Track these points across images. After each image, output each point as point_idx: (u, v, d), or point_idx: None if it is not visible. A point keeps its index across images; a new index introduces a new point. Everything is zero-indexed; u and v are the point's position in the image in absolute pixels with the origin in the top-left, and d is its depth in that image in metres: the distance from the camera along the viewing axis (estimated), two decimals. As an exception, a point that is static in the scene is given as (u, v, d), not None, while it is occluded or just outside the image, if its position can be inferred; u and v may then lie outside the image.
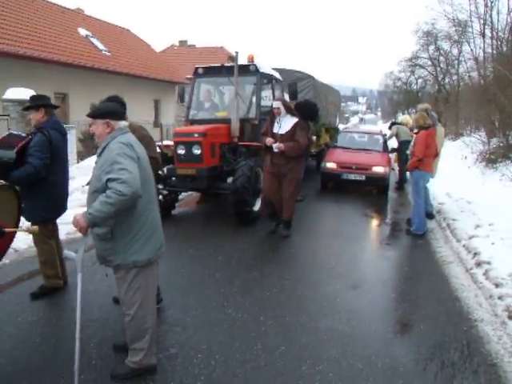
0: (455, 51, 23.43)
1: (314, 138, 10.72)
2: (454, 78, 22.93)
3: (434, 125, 7.20)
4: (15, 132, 4.58)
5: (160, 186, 7.49)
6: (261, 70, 8.30)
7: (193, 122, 8.38)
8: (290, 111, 6.61)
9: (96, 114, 3.05)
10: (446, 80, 23.66)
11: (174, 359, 3.39)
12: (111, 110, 3.09)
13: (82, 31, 20.06)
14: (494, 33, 17.84)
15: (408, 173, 8.07)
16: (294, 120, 6.53)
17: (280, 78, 9.52)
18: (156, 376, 3.18)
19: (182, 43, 33.88)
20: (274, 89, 8.99)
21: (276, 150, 6.39)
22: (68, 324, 3.88)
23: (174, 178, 7.49)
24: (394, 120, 14.73)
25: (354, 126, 32.82)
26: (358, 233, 7.28)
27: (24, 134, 4.39)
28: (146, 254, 3.04)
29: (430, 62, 24.36)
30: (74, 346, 3.01)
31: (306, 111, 9.40)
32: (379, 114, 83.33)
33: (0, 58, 13.72)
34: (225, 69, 8.36)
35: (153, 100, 23.52)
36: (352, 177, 10.10)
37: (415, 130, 7.02)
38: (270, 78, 8.84)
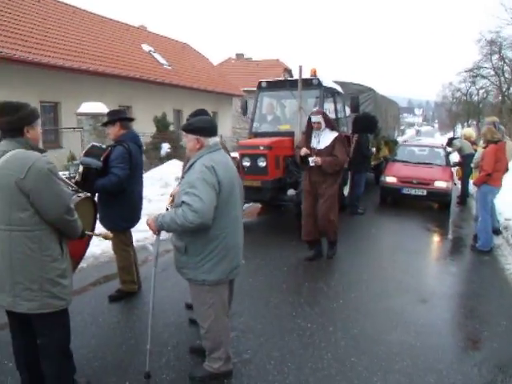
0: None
1: (374, 149, 10.66)
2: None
3: (503, 138, 7.03)
4: (97, 144, 4.84)
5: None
6: (323, 84, 8.41)
7: (256, 134, 8.60)
8: (329, 125, 6.10)
9: (187, 129, 3.19)
10: (511, 90, 22.76)
11: (248, 365, 3.53)
12: (202, 127, 3.16)
13: (146, 47, 20.96)
14: None
15: (472, 187, 7.83)
16: (334, 134, 6.04)
17: (341, 91, 9.59)
18: (232, 380, 3.33)
19: (239, 56, 34.57)
20: (336, 102, 9.08)
21: (312, 164, 5.92)
22: (145, 327, 4.11)
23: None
24: (453, 136, 14.08)
25: (411, 138, 31.90)
26: (422, 247, 7.20)
27: (104, 146, 4.68)
28: (216, 275, 3.12)
29: (492, 72, 23.50)
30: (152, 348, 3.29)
31: (365, 124, 9.45)
32: (436, 125, 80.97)
33: (73, 75, 14.56)
34: (288, 82, 8.53)
35: (211, 112, 24.07)
36: (413, 192, 9.84)
37: (483, 144, 6.85)
38: (332, 92, 8.94)
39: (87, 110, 9.93)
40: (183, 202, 2.95)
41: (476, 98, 29.96)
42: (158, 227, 3.11)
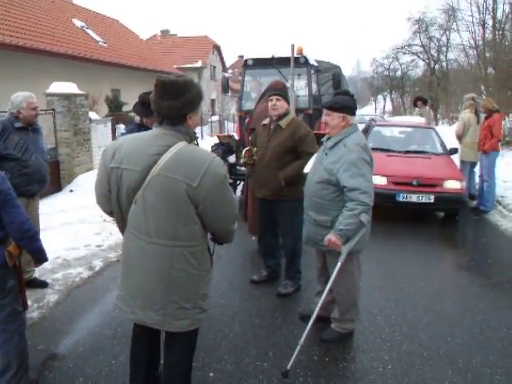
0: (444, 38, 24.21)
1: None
2: (444, 63, 24.00)
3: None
4: None
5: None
6: (310, 62, 8.70)
7: (247, 112, 8.69)
8: None
9: (335, 107, 3.24)
10: (436, 66, 24.65)
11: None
12: (349, 105, 3.25)
13: (77, 22, 19.77)
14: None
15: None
16: None
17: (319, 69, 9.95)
18: (359, 336, 3.64)
19: (164, 33, 33.53)
20: (318, 80, 9.44)
21: None
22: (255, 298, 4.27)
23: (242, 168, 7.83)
24: (421, 96, 12.53)
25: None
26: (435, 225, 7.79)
27: None
28: (359, 246, 3.24)
29: (421, 49, 25.22)
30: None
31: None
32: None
33: (6, 52, 13.39)
34: (274, 60, 8.67)
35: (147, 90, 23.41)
36: (414, 198, 6.75)
37: (484, 115, 7.50)
38: (315, 70, 9.25)
39: (59, 91, 9.33)
40: (348, 188, 3.02)
41: (399, 73, 32.07)
42: (342, 237, 3.06)
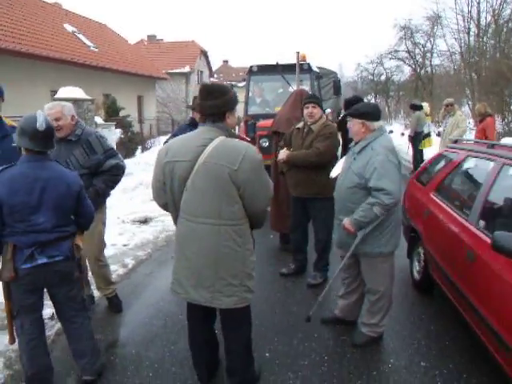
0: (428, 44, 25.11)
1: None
2: (429, 68, 24.80)
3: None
4: None
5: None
6: (313, 69, 9.11)
7: (253, 116, 9.04)
8: None
9: (354, 114, 3.41)
10: (422, 72, 25.42)
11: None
12: (367, 112, 3.37)
13: (68, 27, 19.85)
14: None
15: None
16: None
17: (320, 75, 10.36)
18: (387, 341, 3.70)
19: (151, 38, 33.67)
20: (320, 85, 9.85)
21: None
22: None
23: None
24: (414, 103, 12.50)
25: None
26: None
27: None
28: (391, 247, 3.39)
29: (406, 55, 26.01)
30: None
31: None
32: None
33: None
34: (279, 67, 9.05)
35: (136, 96, 23.58)
36: None
37: (477, 119, 8.00)
38: (317, 76, 9.66)
39: (67, 95, 9.52)
40: (374, 188, 3.15)
41: (383, 78, 32.85)
42: (355, 225, 3.25)
